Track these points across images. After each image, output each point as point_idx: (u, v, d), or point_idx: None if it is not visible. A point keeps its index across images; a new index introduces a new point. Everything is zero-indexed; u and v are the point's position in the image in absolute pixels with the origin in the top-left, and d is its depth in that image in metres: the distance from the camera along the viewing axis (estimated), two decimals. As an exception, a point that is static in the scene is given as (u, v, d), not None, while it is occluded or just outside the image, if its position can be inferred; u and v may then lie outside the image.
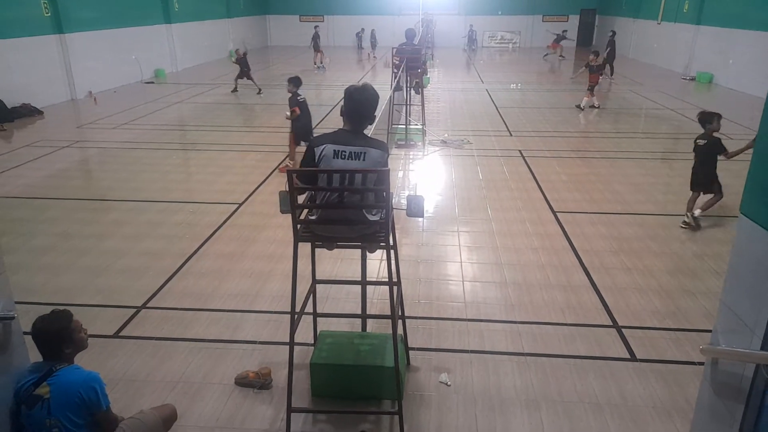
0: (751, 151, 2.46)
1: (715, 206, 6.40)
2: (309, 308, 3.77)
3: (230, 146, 10.20)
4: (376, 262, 5.32)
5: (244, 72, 15.61)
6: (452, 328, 4.42)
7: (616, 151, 9.76)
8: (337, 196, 3.02)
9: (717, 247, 5.85)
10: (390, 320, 3.22)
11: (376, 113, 3.13)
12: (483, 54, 28.15)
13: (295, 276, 3.14)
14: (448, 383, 3.76)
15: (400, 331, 3.80)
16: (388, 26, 29.21)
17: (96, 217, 6.84)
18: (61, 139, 10.47)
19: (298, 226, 3.09)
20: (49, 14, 13.93)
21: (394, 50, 10.54)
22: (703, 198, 6.50)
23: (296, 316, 3.19)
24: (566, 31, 27.31)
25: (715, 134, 6.37)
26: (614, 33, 18.65)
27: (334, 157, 3.00)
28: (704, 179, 6.31)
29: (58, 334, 2.70)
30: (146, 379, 3.81)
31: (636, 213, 6.81)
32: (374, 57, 25.38)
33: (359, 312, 3.83)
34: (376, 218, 3.09)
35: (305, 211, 3.22)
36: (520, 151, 9.59)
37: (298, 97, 8.30)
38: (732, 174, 8.28)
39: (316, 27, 23.14)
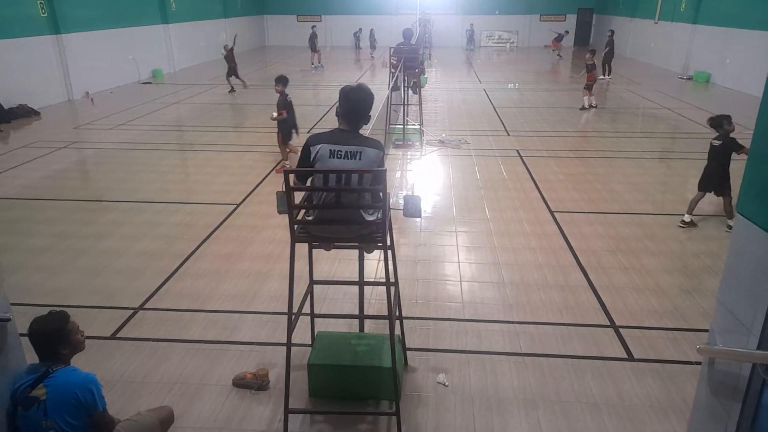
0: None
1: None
2: (306, 309, 3.77)
3: (228, 147, 10.19)
4: (374, 263, 5.32)
5: (232, 68, 15.65)
6: (450, 328, 4.41)
7: (614, 150, 9.77)
8: (334, 196, 3.01)
9: (714, 246, 5.86)
10: (387, 321, 3.21)
11: (371, 113, 3.12)
12: (480, 53, 28.16)
13: (292, 277, 3.14)
14: (446, 383, 3.76)
15: (397, 331, 3.80)
16: (385, 26, 29.20)
17: (93, 218, 6.82)
18: (58, 140, 10.45)
19: (295, 226, 3.09)
20: (46, 14, 13.90)
21: (392, 50, 10.54)
22: (709, 198, 6.49)
23: (293, 317, 3.19)
24: (568, 32, 27.35)
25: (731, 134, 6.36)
26: (613, 32, 18.67)
27: (330, 157, 3.00)
28: (718, 180, 6.29)
29: (54, 335, 2.70)
30: (143, 380, 3.80)
31: (634, 212, 6.81)
32: (373, 57, 25.35)
33: (357, 312, 3.82)
34: (373, 218, 3.09)
35: (302, 211, 3.21)
36: (517, 150, 9.59)
37: (287, 98, 8.28)
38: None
39: (313, 27, 23.14)
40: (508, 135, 10.82)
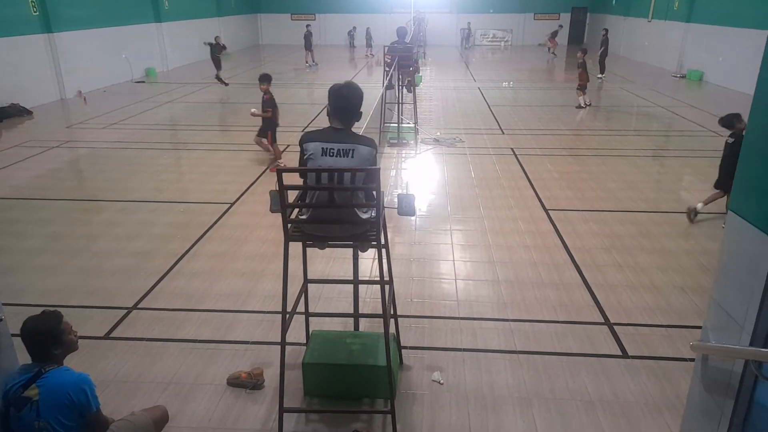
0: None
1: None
2: (301, 308, 3.76)
3: (221, 146, 10.16)
4: (369, 261, 5.32)
5: (215, 59, 15.75)
6: (445, 326, 4.42)
7: (608, 148, 9.81)
8: (327, 195, 3.01)
9: (708, 243, 5.89)
10: (382, 319, 3.21)
11: (361, 110, 3.13)
12: (475, 52, 28.19)
13: (286, 276, 3.13)
14: (441, 382, 3.76)
15: (392, 330, 3.80)
16: (380, 24, 29.17)
17: (87, 218, 6.79)
18: (51, 140, 10.39)
19: (289, 225, 3.08)
20: (38, 13, 13.81)
21: (386, 48, 10.53)
22: (703, 196, 6.53)
23: (288, 316, 3.18)
24: (561, 26, 27.46)
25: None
26: (607, 31, 18.71)
27: (322, 155, 3.00)
28: (726, 177, 6.31)
29: (46, 335, 2.68)
30: (137, 380, 3.79)
31: (628, 210, 6.84)
32: (371, 55, 25.29)
33: (352, 311, 3.82)
34: (367, 216, 3.09)
35: (296, 210, 3.21)
36: (512, 149, 9.61)
37: (272, 96, 8.27)
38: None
39: (308, 26, 23.09)
40: (503, 133, 10.83)
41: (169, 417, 3.17)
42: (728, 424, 2.09)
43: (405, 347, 4.08)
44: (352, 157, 2.99)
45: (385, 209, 3.58)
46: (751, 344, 1.96)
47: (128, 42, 17.79)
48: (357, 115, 3.11)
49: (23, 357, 2.75)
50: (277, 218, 3.02)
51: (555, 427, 3.37)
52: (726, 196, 6.28)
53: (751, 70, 2.04)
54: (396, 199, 3.49)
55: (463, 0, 30.67)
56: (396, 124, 10.30)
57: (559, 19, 29.87)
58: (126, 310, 4.66)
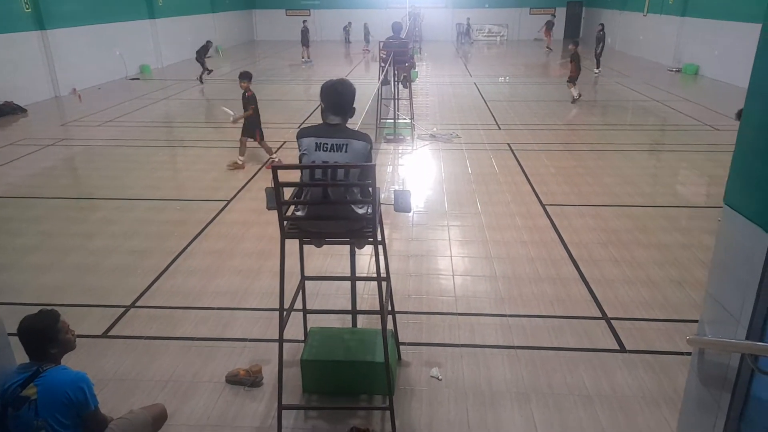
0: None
1: None
2: (299, 305, 3.76)
3: (217, 142, 10.12)
4: (367, 258, 5.32)
5: (201, 61, 15.93)
6: (443, 322, 4.43)
7: (604, 143, 9.82)
8: (322, 191, 3.02)
9: (704, 237, 5.91)
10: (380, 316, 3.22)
11: (354, 105, 3.15)
12: (471, 47, 28.14)
13: (283, 273, 3.13)
14: (439, 377, 3.77)
15: (390, 326, 3.81)
16: (375, 20, 29.08)
17: (83, 216, 6.76)
18: (46, 137, 10.34)
19: (285, 222, 3.08)
20: (30, 10, 13.71)
21: (381, 44, 10.50)
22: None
23: (285, 313, 3.18)
24: (555, 15, 27.47)
25: None
26: (603, 26, 18.61)
27: (316, 150, 3.01)
28: None
29: (43, 333, 2.67)
30: (136, 378, 3.79)
31: (624, 205, 6.85)
32: (368, 51, 25.20)
33: (349, 308, 3.82)
34: (363, 211, 3.09)
35: (292, 207, 3.21)
36: (508, 144, 9.61)
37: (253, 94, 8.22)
38: (718, 164, 8.38)
39: (304, 21, 22.98)
40: (499, 129, 10.83)
41: (168, 415, 3.17)
42: (725, 418, 2.10)
43: (403, 343, 4.08)
44: (346, 151, 2.99)
45: (382, 206, 3.58)
46: (747, 338, 1.97)
47: (122, 39, 17.69)
48: (351, 111, 3.13)
49: (21, 356, 2.75)
50: (274, 215, 3.01)
51: (553, 422, 3.38)
52: None
53: (747, 64, 2.04)
54: (392, 196, 3.49)
55: (459, -5, 30.61)
56: (392, 120, 10.28)
57: (554, 13, 29.82)
58: (123, 308, 4.65)
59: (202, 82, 16.23)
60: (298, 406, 3.55)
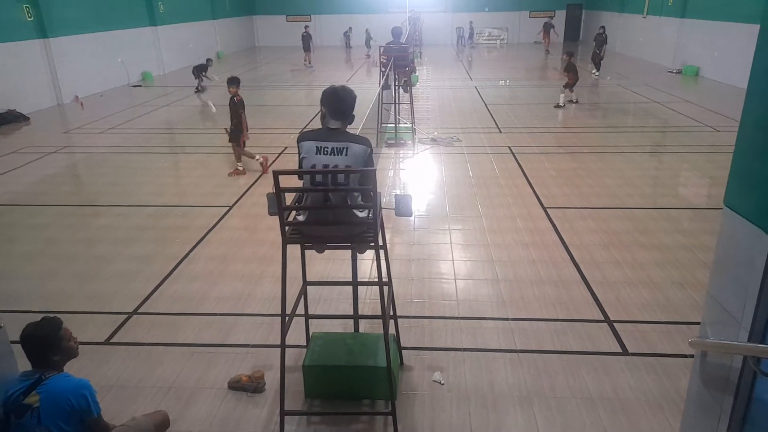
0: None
1: None
2: (301, 310, 3.76)
3: (219, 149, 10.12)
4: (368, 262, 5.32)
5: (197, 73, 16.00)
6: (445, 326, 4.42)
7: (605, 145, 9.82)
8: (322, 195, 3.03)
9: (705, 238, 5.89)
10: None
11: (354, 112, 3.18)
12: (471, 51, 28.19)
13: (285, 278, 3.13)
14: (442, 382, 3.76)
15: (392, 330, 3.81)
16: (375, 25, 29.16)
17: (85, 223, 6.78)
18: (48, 145, 10.38)
19: (287, 228, 3.09)
20: (32, 18, 13.78)
21: (381, 49, 10.53)
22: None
23: (287, 318, 3.19)
24: (552, 17, 27.50)
25: None
26: (605, 29, 18.58)
27: (316, 153, 3.04)
28: None
29: (46, 342, 2.68)
30: (138, 385, 3.79)
31: (625, 207, 6.85)
32: (369, 56, 25.23)
33: (351, 313, 3.82)
34: (364, 214, 3.10)
35: (293, 212, 3.22)
36: (509, 147, 9.61)
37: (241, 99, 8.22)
38: (718, 166, 8.37)
39: (306, 27, 23.04)
40: (500, 132, 10.84)
41: (171, 422, 3.17)
42: (728, 420, 2.10)
43: (405, 348, 4.08)
44: (346, 154, 3.02)
45: (383, 210, 3.59)
46: (748, 340, 1.96)
47: (124, 46, 17.77)
48: (351, 116, 3.16)
49: (23, 364, 2.75)
50: (276, 221, 3.02)
51: (556, 425, 3.37)
52: None
53: (747, 65, 2.04)
54: (393, 200, 3.50)
55: (459, -1, 30.68)
56: (393, 125, 10.30)
57: (554, 16, 29.87)
58: (126, 315, 4.66)
59: (200, 90, 16.22)
60: (301, 412, 3.55)
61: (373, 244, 3.16)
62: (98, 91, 16.06)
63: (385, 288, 3.27)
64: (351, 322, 4.07)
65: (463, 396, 3.63)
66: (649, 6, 21.41)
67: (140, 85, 17.73)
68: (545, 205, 6.89)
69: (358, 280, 3.75)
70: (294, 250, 3.26)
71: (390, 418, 3.30)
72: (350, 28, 29.53)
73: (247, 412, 3.53)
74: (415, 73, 14.21)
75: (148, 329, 4.45)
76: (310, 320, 3.96)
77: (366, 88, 14.65)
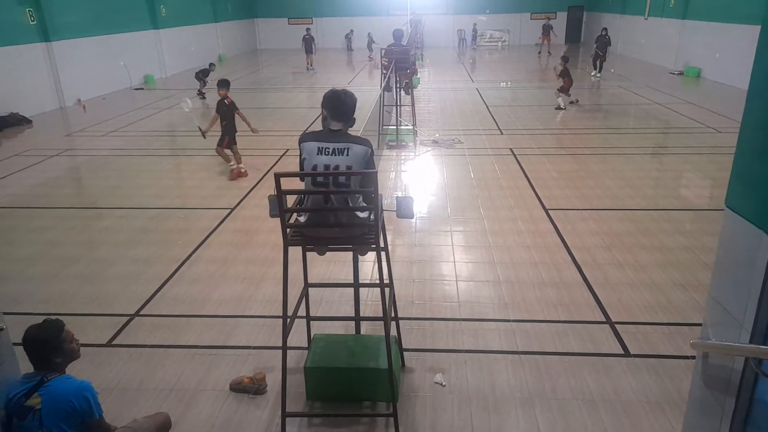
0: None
1: None
2: (302, 312, 3.76)
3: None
4: (370, 264, 5.32)
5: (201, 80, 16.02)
6: (446, 328, 4.42)
7: (606, 147, 9.81)
8: (323, 196, 3.04)
9: (706, 239, 5.89)
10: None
11: (354, 115, 3.21)
12: (472, 53, 28.22)
13: (286, 280, 3.14)
14: (443, 383, 3.76)
15: (394, 332, 3.81)
16: (377, 27, 29.20)
17: (87, 225, 6.80)
18: (51, 148, 10.40)
19: (288, 230, 3.10)
20: (35, 22, 13.84)
21: (383, 51, 10.55)
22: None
23: (288, 320, 3.19)
24: (550, 19, 27.54)
25: None
26: (607, 30, 18.56)
27: (317, 153, 3.06)
28: None
29: (48, 344, 2.69)
30: (140, 387, 3.79)
31: (627, 208, 6.84)
32: (371, 59, 25.25)
33: (353, 314, 3.83)
34: (365, 215, 3.11)
35: (294, 215, 3.22)
36: (511, 149, 9.61)
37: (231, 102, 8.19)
38: (720, 167, 8.36)
39: (307, 29, 23.07)
40: (502, 134, 10.84)
41: (172, 423, 3.17)
42: (729, 422, 2.09)
43: (407, 349, 4.08)
44: (347, 155, 3.03)
45: (384, 212, 3.59)
46: (750, 341, 1.96)
47: (126, 49, 17.82)
48: (352, 119, 3.18)
49: (25, 366, 2.76)
50: (277, 223, 3.03)
51: (557, 427, 3.37)
52: None
53: (749, 66, 2.04)
54: (395, 202, 3.50)
55: (460, 1, 30.70)
56: (394, 127, 10.31)
57: (555, 18, 29.89)
58: (128, 317, 4.66)
59: (203, 96, 16.24)
60: (302, 414, 3.55)
61: (374, 245, 3.17)
62: (100, 94, 16.11)
63: (387, 290, 3.27)
64: (352, 323, 4.07)
65: (464, 397, 3.63)
66: (650, 7, 21.42)
67: (142, 88, 17.78)
68: (547, 207, 6.89)
69: (360, 281, 3.75)
70: (295, 252, 3.26)
71: (391, 419, 3.30)
72: (351, 31, 29.59)
73: (249, 414, 3.53)
74: (416, 75, 14.22)
75: (149, 331, 4.46)
76: (311, 322, 3.97)
77: (367, 90, 14.67)
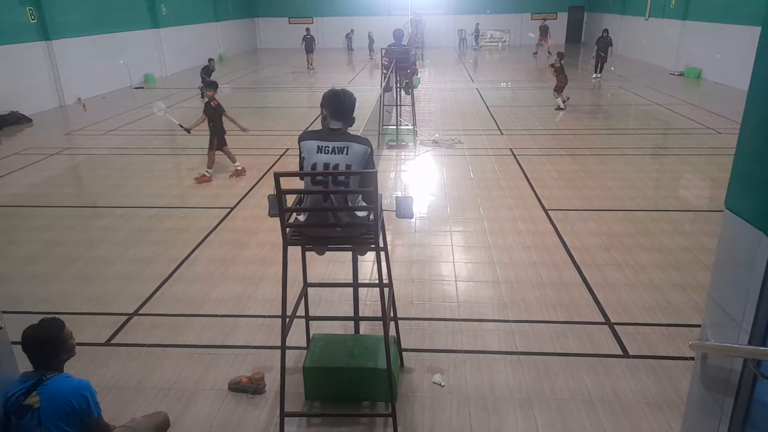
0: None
1: None
2: (301, 311, 3.76)
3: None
4: (369, 264, 5.32)
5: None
6: (445, 328, 4.42)
7: (606, 147, 9.81)
8: (322, 196, 3.04)
9: (706, 240, 5.89)
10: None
11: (354, 115, 3.22)
12: (473, 53, 28.22)
13: (285, 280, 3.13)
14: (442, 384, 3.76)
15: (393, 332, 3.80)
16: (377, 27, 29.18)
17: (86, 224, 6.79)
18: (51, 147, 10.40)
19: (287, 229, 3.10)
20: (35, 21, 13.84)
21: (383, 51, 10.55)
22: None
23: (287, 320, 3.19)
24: (546, 20, 27.56)
25: None
26: (608, 31, 18.53)
27: (317, 152, 3.06)
28: None
29: (48, 343, 2.69)
30: (138, 386, 3.79)
31: (626, 209, 6.84)
32: (372, 59, 25.22)
33: (352, 314, 3.82)
34: (364, 214, 3.11)
35: (293, 214, 3.22)
36: (510, 149, 9.61)
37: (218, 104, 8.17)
38: (720, 168, 8.36)
39: (307, 29, 23.06)
40: (502, 134, 10.84)
41: (171, 423, 3.18)
42: (728, 422, 2.09)
43: (406, 349, 4.08)
44: (347, 154, 3.04)
45: (384, 212, 3.59)
46: (749, 342, 1.96)
47: (126, 48, 17.82)
48: (351, 119, 3.18)
49: (23, 366, 2.76)
50: (277, 222, 3.03)
51: (556, 428, 3.37)
52: None
53: (749, 67, 2.04)
54: (394, 202, 3.50)
55: (460, 1, 30.70)
56: (394, 126, 10.31)
57: (556, 18, 29.90)
58: (127, 316, 4.66)
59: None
60: (301, 414, 3.55)
61: (373, 245, 3.17)
62: (100, 93, 16.10)
63: (386, 290, 3.27)
64: (351, 323, 4.07)
65: (463, 398, 3.63)
66: (651, 8, 21.42)
67: (142, 87, 17.77)
68: (546, 207, 6.88)
69: (359, 281, 3.75)
70: (295, 251, 3.26)
71: (390, 419, 3.30)
72: (352, 30, 29.58)
73: (247, 414, 3.53)
74: (416, 75, 14.22)
75: (148, 330, 4.46)
76: (310, 322, 3.97)
77: (367, 90, 14.67)
